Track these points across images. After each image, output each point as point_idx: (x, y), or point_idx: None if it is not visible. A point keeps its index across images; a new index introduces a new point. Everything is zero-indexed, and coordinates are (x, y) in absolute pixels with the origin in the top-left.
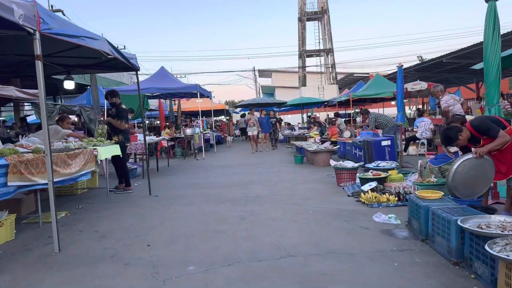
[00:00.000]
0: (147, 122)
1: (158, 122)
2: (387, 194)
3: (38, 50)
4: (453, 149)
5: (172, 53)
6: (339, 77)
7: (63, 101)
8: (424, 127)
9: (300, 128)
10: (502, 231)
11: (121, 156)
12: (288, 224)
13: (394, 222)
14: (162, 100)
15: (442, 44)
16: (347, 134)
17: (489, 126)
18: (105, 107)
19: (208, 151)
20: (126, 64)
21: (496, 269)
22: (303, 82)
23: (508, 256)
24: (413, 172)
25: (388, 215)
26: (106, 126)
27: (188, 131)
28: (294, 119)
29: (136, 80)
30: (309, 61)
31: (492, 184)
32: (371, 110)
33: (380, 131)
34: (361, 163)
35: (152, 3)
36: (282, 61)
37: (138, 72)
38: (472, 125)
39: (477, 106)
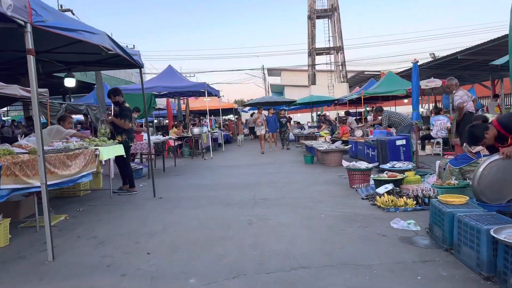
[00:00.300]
0: (155, 121)
1: (167, 121)
2: (404, 197)
3: (29, 43)
4: (475, 148)
5: (182, 52)
6: (349, 75)
7: (72, 100)
8: (440, 126)
9: (310, 127)
10: None
11: (124, 156)
12: (299, 230)
13: (413, 229)
14: (170, 99)
15: (455, 41)
16: (359, 133)
17: None
18: (112, 106)
19: (216, 150)
20: (130, 61)
21: None
22: (312, 81)
23: None
24: (431, 174)
25: (407, 220)
26: (109, 126)
27: (196, 130)
28: (304, 118)
29: (144, 78)
30: (319, 59)
31: None
32: (384, 108)
33: (393, 130)
34: (376, 164)
35: (161, 2)
36: (292, 59)
37: (147, 71)
38: (500, 123)
39: (495, 104)
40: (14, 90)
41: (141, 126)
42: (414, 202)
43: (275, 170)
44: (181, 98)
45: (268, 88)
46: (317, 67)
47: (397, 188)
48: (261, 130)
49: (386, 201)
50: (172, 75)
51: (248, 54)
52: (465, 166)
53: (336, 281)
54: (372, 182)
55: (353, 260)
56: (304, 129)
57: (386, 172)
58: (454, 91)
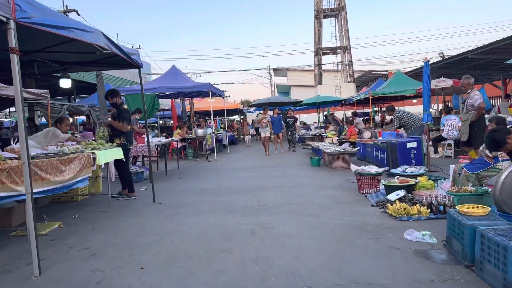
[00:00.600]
0: (160, 122)
1: (172, 122)
2: (417, 205)
3: (13, 42)
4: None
5: (187, 52)
6: (356, 75)
7: (76, 101)
8: (451, 125)
9: (316, 127)
10: None
11: (123, 160)
12: (305, 241)
13: (429, 241)
14: (175, 99)
15: (463, 40)
16: (367, 134)
17: None
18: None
19: (221, 152)
20: (128, 61)
21: None
22: (319, 81)
23: None
24: (445, 179)
25: (421, 231)
26: (107, 128)
27: (200, 131)
28: (310, 118)
29: (149, 79)
30: (326, 59)
31: None
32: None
33: (402, 131)
34: (386, 169)
35: (167, 2)
36: (298, 59)
37: (153, 71)
38: None
39: (507, 105)
40: (13, 91)
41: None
42: (428, 210)
43: (280, 173)
44: (186, 98)
45: (274, 88)
46: (324, 67)
47: (409, 194)
48: (265, 132)
49: (398, 209)
50: (176, 76)
51: (254, 54)
52: (482, 172)
53: None
54: (382, 187)
55: (365, 278)
56: (310, 129)
57: (397, 177)
58: (469, 91)
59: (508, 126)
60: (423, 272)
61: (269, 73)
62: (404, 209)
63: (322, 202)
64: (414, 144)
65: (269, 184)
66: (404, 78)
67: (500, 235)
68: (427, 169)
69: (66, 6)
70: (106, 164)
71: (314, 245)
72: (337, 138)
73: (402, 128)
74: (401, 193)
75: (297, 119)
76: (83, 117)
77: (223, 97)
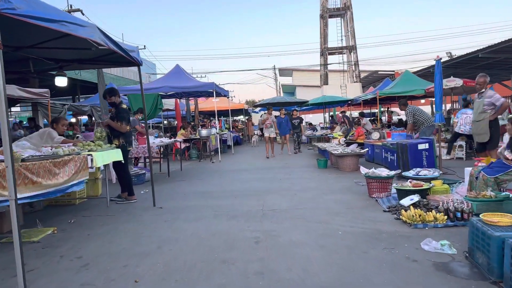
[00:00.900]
0: (165, 122)
1: (176, 122)
2: (433, 211)
3: None
4: (510, 155)
5: (192, 52)
6: (363, 75)
7: (81, 101)
8: (465, 120)
9: (322, 128)
10: None
11: (123, 162)
12: (313, 251)
13: (449, 252)
14: (178, 99)
15: (472, 40)
16: (375, 135)
17: None
18: None
19: (225, 152)
20: (127, 59)
21: None
22: (325, 81)
23: None
24: (460, 182)
25: (439, 241)
26: (105, 129)
27: (204, 132)
28: (316, 118)
29: (154, 79)
30: (331, 58)
31: None
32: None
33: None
34: (398, 172)
35: (172, 2)
36: (303, 59)
37: (157, 71)
38: None
39: None
40: (11, 90)
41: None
42: (445, 217)
43: (286, 176)
44: (190, 98)
45: (279, 88)
46: (329, 67)
47: (424, 199)
48: (270, 133)
49: (413, 216)
50: (179, 75)
51: (259, 54)
52: (502, 175)
53: None
54: (393, 191)
55: None
56: (317, 130)
57: (409, 180)
58: (483, 89)
59: None
60: None
61: (275, 73)
62: (419, 215)
63: (331, 207)
64: (426, 146)
65: (274, 187)
66: (412, 77)
67: None
68: (441, 172)
69: (71, 6)
70: (107, 165)
71: (323, 256)
72: (344, 139)
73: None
74: (415, 198)
75: (302, 120)
76: (85, 118)
77: (228, 97)
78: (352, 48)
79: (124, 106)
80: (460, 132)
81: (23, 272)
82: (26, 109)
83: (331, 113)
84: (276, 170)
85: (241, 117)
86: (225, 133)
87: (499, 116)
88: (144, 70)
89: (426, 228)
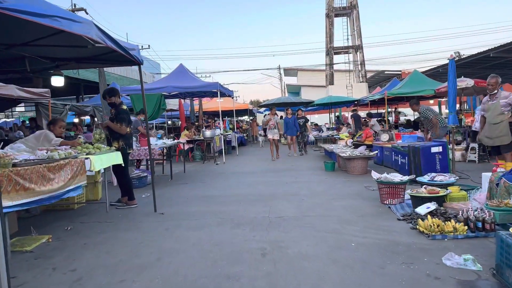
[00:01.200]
0: (169, 122)
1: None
2: (452, 220)
3: None
4: None
5: (197, 51)
6: (369, 75)
7: (85, 101)
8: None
9: (328, 129)
10: None
11: (122, 165)
12: (325, 266)
13: (473, 268)
14: (182, 99)
15: (481, 39)
16: (385, 137)
17: None
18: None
19: (230, 153)
20: (127, 57)
21: None
22: (330, 81)
23: None
24: (478, 188)
25: (462, 255)
26: (105, 131)
27: (208, 133)
28: (321, 119)
29: (158, 78)
30: (337, 58)
31: None
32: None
33: (419, 133)
34: (412, 177)
35: (177, 1)
36: (308, 59)
37: (162, 71)
38: None
39: None
40: (11, 90)
41: (151, 129)
42: (465, 227)
43: (292, 179)
44: (194, 99)
45: (284, 88)
46: (335, 67)
47: (441, 208)
48: (273, 134)
49: (431, 226)
50: (183, 75)
51: (264, 54)
52: None
53: None
54: (407, 197)
55: None
56: (322, 131)
57: (424, 186)
58: (495, 90)
59: None
60: None
61: (279, 73)
62: (438, 225)
63: (341, 214)
64: (439, 149)
65: (280, 192)
66: (421, 77)
67: None
68: (457, 177)
69: (75, 5)
70: (107, 168)
71: (336, 272)
72: (352, 140)
73: (423, 126)
74: (432, 206)
75: (308, 120)
76: (89, 118)
77: (232, 97)
78: (358, 48)
79: (125, 107)
80: (474, 129)
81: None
82: (31, 109)
83: (337, 114)
84: (282, 173)
85: (245, 118)
86: (230, 134)
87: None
88: (149, 70)
89: (446, 240)
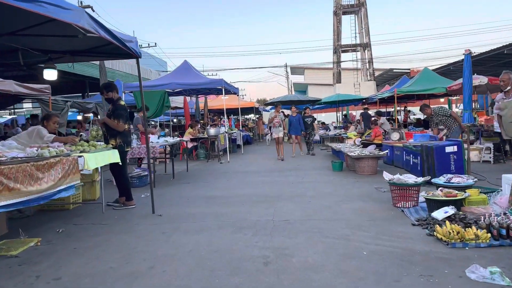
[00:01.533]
0: (175, 120)
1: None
2: (473, 227)
3: None
4: None
5: (203, 49)
6: (377, 73)
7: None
8: None
9: (335, 127)
10: None
11: (120, 164)
12: (334, 279)
13: (501, 283)
14: (187, 97)
15: (492, 37)
16: (395, 136)
17: None
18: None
19: (235, 152)
20: (124, 50)
21: None
22: (337, 79)
23: None
24: (498, 191)
25: (488, 268)
26: (102, 127)
27: (212, 131)
28: (328, 118)
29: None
30: (345, 56)
31: None
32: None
33: (430, 131)
34: (427, 178)
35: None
36: (316, 56)
37: (168, 68)
38: None
39: None
40: (9, 86)
41: (155, 127)
42: (488, 234)
43: (298, 179)
44: (199, 96)
45: (291, 87)
46: (342, 65)
47: (460, 212)
48: (278, 132)
49: (450, 233)
50: (187, 72)
51: (271, 51)
52: None
53: None
54: (421, 199)
55: None
56: (329, 130)
57: (440, 188)
58: (509, 87)
59: None
60: None
61: (286, 71)
62: (458, 232)
63: (351, 218)
64: (454, 148)
65: (286, 192)
66: (432, 75)
67: None
68: (475, 179)
69: (81, 2)
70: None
71: (347, 285)
72: (360, 139)
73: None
74: (450, 210)
75: (315, 119)
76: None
77: (238, 95)
78: (366, 46)
79: (122, 102)
80: (496, 131)
81: None
82: (39, 105)
83: (344, 112)
84: (287, 172)
85: (251, 116)
86: (235, 132)
87: None
88: (155, 68)
89: (467, 248)
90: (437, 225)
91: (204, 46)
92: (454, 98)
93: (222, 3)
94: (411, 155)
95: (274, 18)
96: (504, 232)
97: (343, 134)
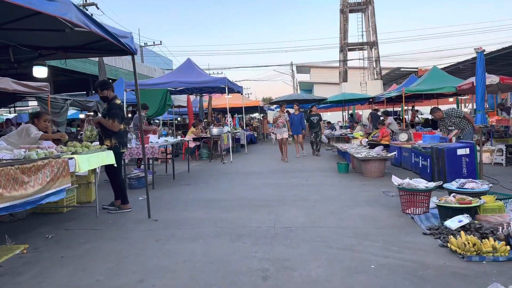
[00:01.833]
0: (179, 119)
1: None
2: (490, 238)
3: None
4: None
5: (209, 47)
6: (384, 72)
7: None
8: None
9: (341, 127)
10: None
11: (115, 165)
12: None
13: None
14: (190, 95)
15: (502, 35)
16: (403, 137)
17: None
18: (124, 103)
19: (238, 152)
20: (119, 46)
21: None
22: (344, 78)
23: None
24: None
25: (510, 286)
26: (96, 127)
27: (215, 130)
28: (334, 117)
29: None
30: (351, 55)
31: None
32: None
33: (439, 132)
34: (439, 183)
35: None
36: (322, 55)
37: (174, 67)
38: None
39: None
40: (5, 83)
41: (151, 125)
42: (507, 247)
43: (302, 181)
44: (203, 95)
45: (297, 85)
46: (348, 64)
47: (476, 221)
48: (282, 132)
49: (465, 244)
50: (190, 70)
51: (277, 50)
52: None
53: None
54: (431, 205)
55: None
56: (335, 129)
57: (452, 194)
58: None
59: None
60: None
61: (292, 70)
62: (474, 244)
63: (357, 225)
64: (466, 151)
65: (289, 196)
66: (441, 74)
67: None
68: (490, 184)
69: (86, 0)
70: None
71: None
72: (367, 140)
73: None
74: (465, 219)
75: (321, 118)
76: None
77: (242, 93)
78: (373, 44)
79: (118, 101)
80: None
81: None
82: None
83: (350, 112)
84: (291, 174)
85: (256, 115)
86: (239, 132)
87: None
88: (160, 66)
89: (484, 262)
90: (451, 236)
91: (209, 45)
92: (463, 97)
93: (228, 1)
94: (420, 157)
95: (280, 16)
96: None
97: (349, 134)
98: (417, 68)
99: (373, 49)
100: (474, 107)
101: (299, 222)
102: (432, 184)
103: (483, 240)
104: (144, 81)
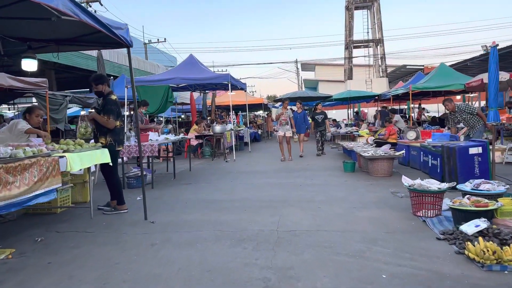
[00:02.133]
0: (183, 116)
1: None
2: (511, 245)
3: None
4: None
5: (213, 44)
6: (389, 69)
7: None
8: None
9: (346, 125)
10: None
11: (111, 164)
12: None
13: None
14: (194, 92)
15: (509, 32)
16: (411, 135)
17: None
18: (125, 100)
19: (242, 150)
20: (113, 38)
21: None
22: (349, 75)
23: None
24: None
25: None
26: (91, 124)
27: (217, 128)
28: (339, 115)
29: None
30: (357, 52)
31: None
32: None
33: (446, 130)
34: (452, 184)
35: None
36: (327, 52)
37: (177, 64)
38: None
39: None
40: (1, 79)
41: (154, 122)
42: None
43: (307, 181)
44: (207, 92)
45: (301, 83)
46: (354, 61)
47: (494, 226)
48: (284, 130)
49: (485, 252)
50: (193, 66)
51: (281, 46)
52: None
53: None
54: (444, 207)
55: None
56: (340, 127)
57: (467, 196)
58: None
59: None
60: None
61: (296, 67)
62: (494, 252)
63: (366, 229)
64: (479, 150)
65: (293, 197)
66: (449, 71)
67: None
68: (507, 186)
69: None
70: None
71: None
72: (373, 138)
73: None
74: (483, 224)
75: (327, 116)
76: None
77: (245, 90)
78: (378, 41)
79: (114, 97)
80: None
81: None
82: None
83: (356, 109)
84: (295, 173)
85: (260, 112)
86: (242, 129)
87: None
88: (164, 63)
89: (505, 272)
90: (468, 242)
91: (214, 41)
92: (471, 95)
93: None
94: (430, 156)
95: (285, 14)
96: None
97: (355, 132)
98: (423, 65)
99: (378, 47)
100: (482, 105)
101: (304, 225)
102: (445, 185)
103: (504, 247)
104: (146, 77)
